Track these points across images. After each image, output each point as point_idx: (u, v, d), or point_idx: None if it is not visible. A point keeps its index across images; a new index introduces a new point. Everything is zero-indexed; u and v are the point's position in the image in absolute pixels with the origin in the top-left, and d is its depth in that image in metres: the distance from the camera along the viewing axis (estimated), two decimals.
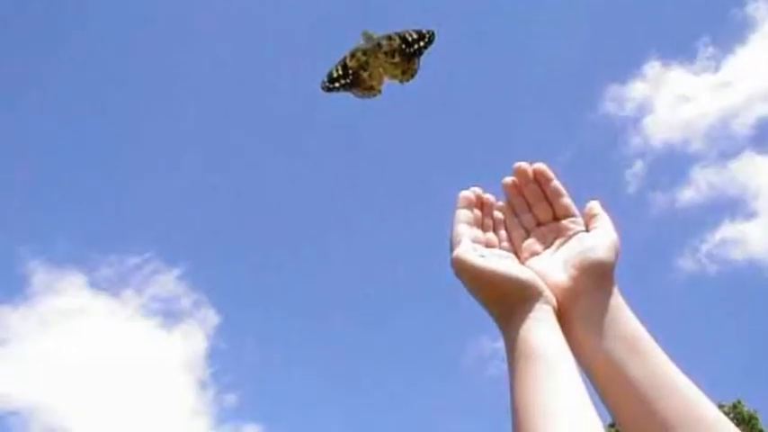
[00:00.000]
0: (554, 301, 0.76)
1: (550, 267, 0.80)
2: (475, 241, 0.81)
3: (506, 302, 0.76)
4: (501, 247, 0.84)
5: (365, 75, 1.64)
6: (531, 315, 0.74)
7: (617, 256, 0.79)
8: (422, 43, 1.63)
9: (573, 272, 0.78)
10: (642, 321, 0.77)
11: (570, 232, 0.83)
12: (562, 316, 0.76)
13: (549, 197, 0.85)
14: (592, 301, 0.77)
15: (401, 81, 1.66)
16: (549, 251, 0.83)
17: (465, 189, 0.86)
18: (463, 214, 0.83)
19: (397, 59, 1.63)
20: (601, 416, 0.67)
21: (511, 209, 0.87)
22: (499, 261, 0.78)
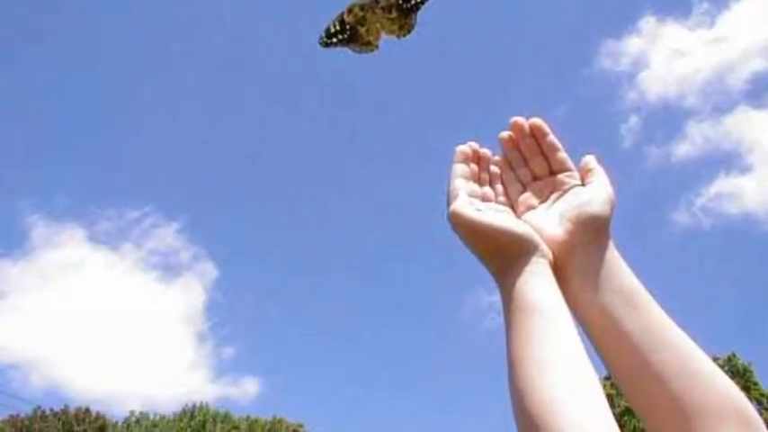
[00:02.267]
0: (550, 255, 0.77)
1: (546, 221, 0.80)
2: (471, 195, 0.82)
3: (503, 256, 0.76)
4: (497, 202, 0.84)
5: (363, 30, 1.63)
6: (528, 269, 0.74)
7: (612, 209, 0.80)
8: None
9: (569, 226, 0.79)
10: (637, 275, 0.78)
11: (566, 186, 0.83)
12: (558, 270, 0.77)
13: (545, 152, 0.86)
14: (587, 255, 0.77)
15: (398, 36, 1.65)
16: (544, 205, 0.83)
17: (461, 144, 0.86)
18: (460, 169, 0.84)
19: (394, 15, 1.63)
20: (596, 369, 0.68)
21: (507, 163, 0.87)
22: (495, 215, 0.79)
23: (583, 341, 0.69)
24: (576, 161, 0.85)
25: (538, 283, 0.73)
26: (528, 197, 0.84)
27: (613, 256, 0.78)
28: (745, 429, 0.70)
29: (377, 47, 1.66)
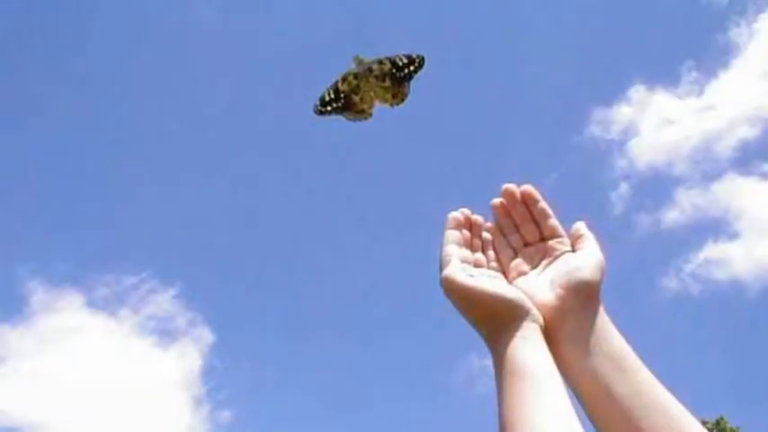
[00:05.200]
0: (541, 320, 0.77)
1: (537, 287, 0.81)
2: (464, 261, 0.82)
3: (495, 321, 0.77)
4: (489, 267, 0.85)
5: (356, 98, 1.65)
6: (519, 333, 0.75)
7: (603, 275, 0.81)
8: (412, 68, 1.65)
9: (560, 291, 0.79)
10: (627, 339, 0.78)
11: (557, 252, 0.84)
12: (549, 334, 0.77)
13: (537, 218, 0.87)
14: (578, 320, 0.78)
15: (391, 104, 1.67)
16: (536, 271, 0.84)
17: (454, 210, 0.87)
18: (452, 235, 0.85)
19: (387, 83, 1.65)
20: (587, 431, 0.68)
21: (499, 229, 0.88)
22: (488, 281, 0.79)
23: (574, 405, 0.70)
24: (567, 228, 0.86)
25: (529, 347, 0.74)
26: (519, 263, 0.85)
27: (604, 321, 0.79)
28: None
29: (370, 115, 1.68)
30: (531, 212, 0.87)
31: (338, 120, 1.67)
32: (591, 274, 0.80)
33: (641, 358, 0.77)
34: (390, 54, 1.66)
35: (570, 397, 0.71)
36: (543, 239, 0.86)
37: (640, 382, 0.75)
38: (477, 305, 0.78)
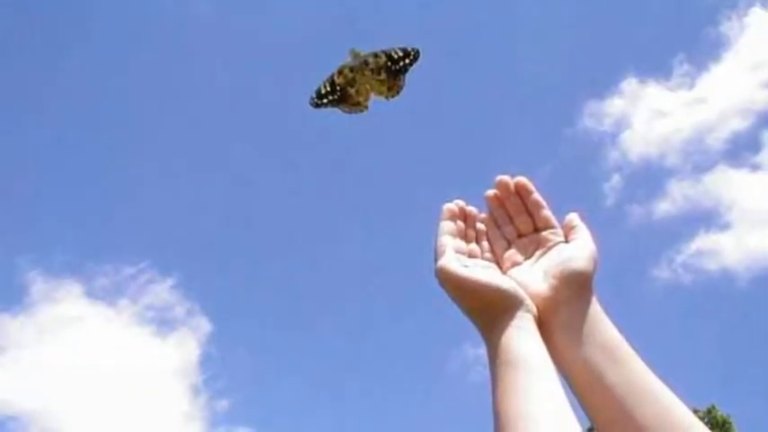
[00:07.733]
0: (535, 310, 0.78)
1: (531, 277, 0.82)
2: (458, 252, 0.83)
3: (489, 311, 0.77)
4: (483, 258, 0.85)
5: (352, 91, 1.66)
6: (513, 323, 0.75)
7: (595, 266, 0.81)
8: (407, 61, 1.65)
9: (553, 282, 0.80)
10: (620, 329, 0.79)
11: (550, 243, 0.85)
12: (543, 324, 0.78)
13: (530, 209, 0.87)
14: (571, 310, 0.79)
15: (387, 97, 1.68)
16: (529, 262, 0.84)
17: (448, 201, 0.87)
18: (447, 226, 0.85)
19: (383, 76, 1.66)
20: (579, 420, 0.68)
21: (493, 220, 0.88)
22: (482, 271, 0.80)
23: (567, 394, 0.70)
24: (561, 219, 0.87)
25: (523, 337, 0.74)
26: (513, 254, 0.86)
27: (596, 311, 0.79)
28: None
29: (366, 107, 1.69)
30: (524, 204, 0.87)
31: (334, 112, 1.68)
32: (584, 264, 0.81)
33: (633, 348, 0.78)
34: (386, 47, 1.67)
35: (563, 386, 0.72)
36: (537, 230, 0.87)
37: (632, 371, 0.76)
38: (472, 295, 0.79)
